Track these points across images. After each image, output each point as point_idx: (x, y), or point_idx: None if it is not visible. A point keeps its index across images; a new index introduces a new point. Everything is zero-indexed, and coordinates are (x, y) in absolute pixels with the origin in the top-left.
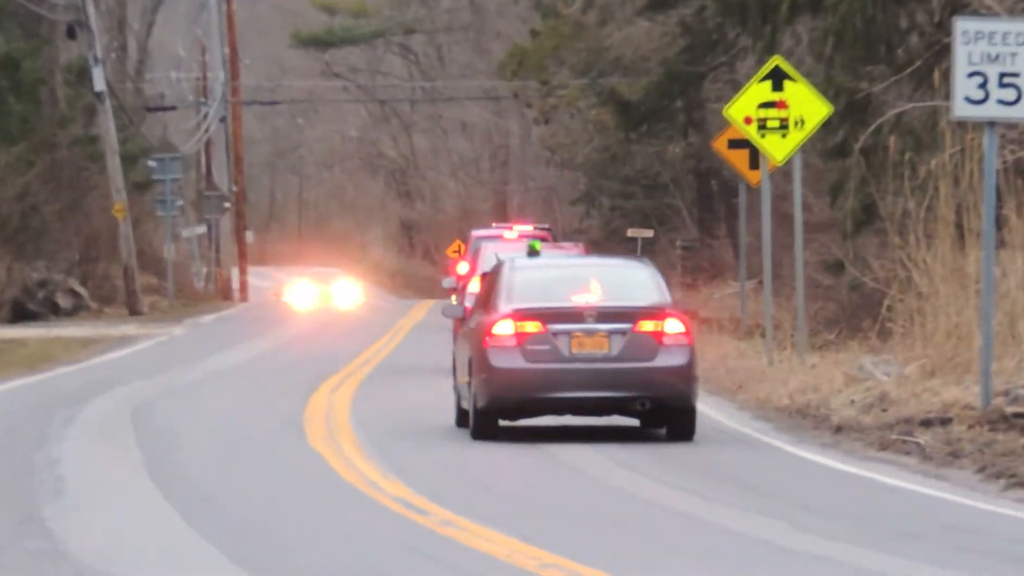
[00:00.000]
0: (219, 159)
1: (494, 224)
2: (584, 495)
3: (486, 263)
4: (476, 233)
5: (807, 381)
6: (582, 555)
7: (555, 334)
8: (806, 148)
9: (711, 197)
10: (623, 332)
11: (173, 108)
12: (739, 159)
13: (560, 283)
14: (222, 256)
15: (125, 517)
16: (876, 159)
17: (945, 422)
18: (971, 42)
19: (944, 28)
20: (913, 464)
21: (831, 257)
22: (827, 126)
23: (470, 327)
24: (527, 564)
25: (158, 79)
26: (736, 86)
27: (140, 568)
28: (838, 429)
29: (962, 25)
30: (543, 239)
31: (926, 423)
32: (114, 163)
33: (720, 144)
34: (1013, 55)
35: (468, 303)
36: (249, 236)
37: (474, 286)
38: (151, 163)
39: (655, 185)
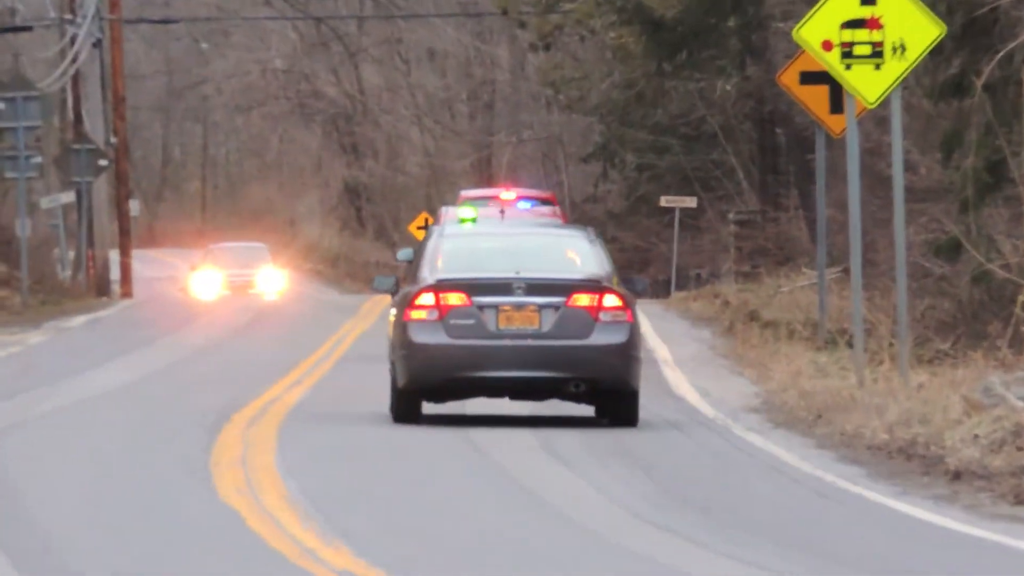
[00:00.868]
0: (92, 100)
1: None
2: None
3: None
4: (465, 194)
5: (912, 409)
6: None
7: (481, 307)
8: (909, 84)
9: (776, 152)
10: (556, 307)
11: (27, 29)
12: (815, 99)
13: (492, 253)
14: (96, 235)
15: None
16: (1006, 99)
17: None
18: None
19: None
20: None
21: (944, 236)
22: (938, 53)
23: (396, 300)
24: None
25: None
26: None
27: None
28: (956, 476)
29: None
30: (546, 201)
31: None
32: None
33: (789, 79)
34: None
35: None
36: (134, 207)
37: None
38: None
39: (698, 136)
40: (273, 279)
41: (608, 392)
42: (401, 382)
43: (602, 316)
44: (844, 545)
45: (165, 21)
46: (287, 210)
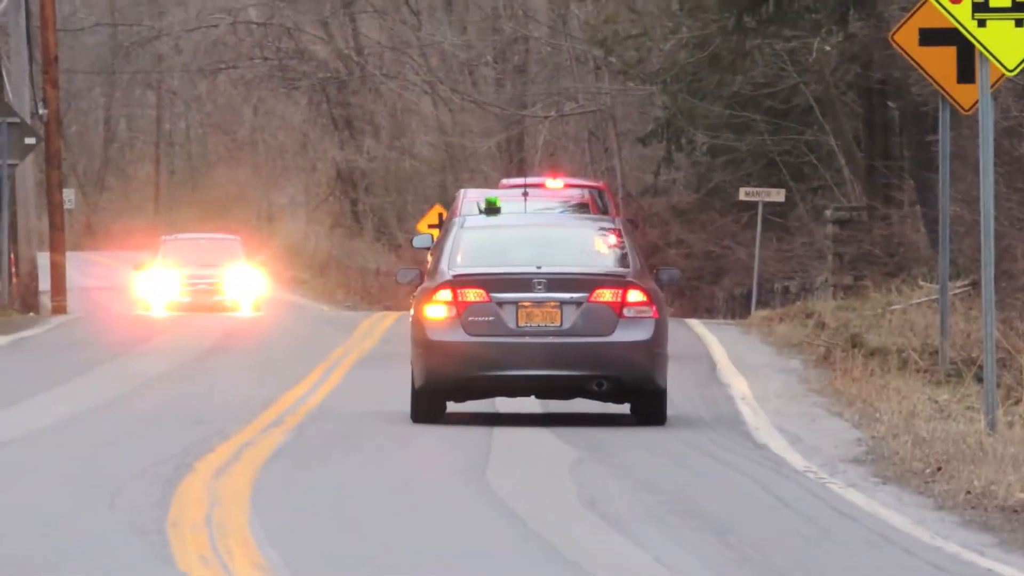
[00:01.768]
0: (16, 60)
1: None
2: None
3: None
4: (506, 183)
5: None
6: None
7: (500, 304)
8: None
9: (888, 132)
10: (578, 303)
11: None
12: (939, 64)
13: (512, 245)
14: (21, 233)
15: None
16: None
17: None
18: None
19: None
20: None
21: None
22: None
23: (415, 296)
24: None
25: None
26: None
27: None
28: None
29: None
30: (595, 187)
31: None
32: None
33: (905, 38)
34: None
35: None
36: (68, 197)
37: None
38: None
39: (788, 111)
40: (248, 283)
41: (633, 391)
42: (418, 381)
43: (626, 311)
44: None
45: None
46: (263, 202)
